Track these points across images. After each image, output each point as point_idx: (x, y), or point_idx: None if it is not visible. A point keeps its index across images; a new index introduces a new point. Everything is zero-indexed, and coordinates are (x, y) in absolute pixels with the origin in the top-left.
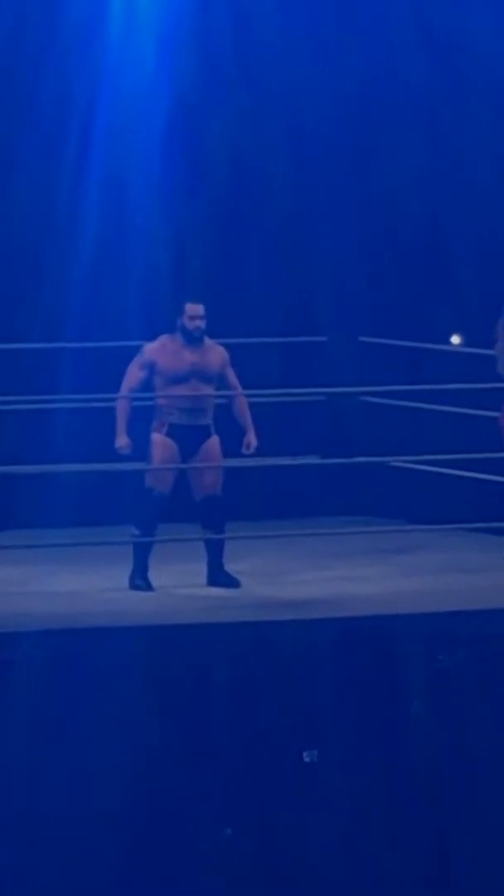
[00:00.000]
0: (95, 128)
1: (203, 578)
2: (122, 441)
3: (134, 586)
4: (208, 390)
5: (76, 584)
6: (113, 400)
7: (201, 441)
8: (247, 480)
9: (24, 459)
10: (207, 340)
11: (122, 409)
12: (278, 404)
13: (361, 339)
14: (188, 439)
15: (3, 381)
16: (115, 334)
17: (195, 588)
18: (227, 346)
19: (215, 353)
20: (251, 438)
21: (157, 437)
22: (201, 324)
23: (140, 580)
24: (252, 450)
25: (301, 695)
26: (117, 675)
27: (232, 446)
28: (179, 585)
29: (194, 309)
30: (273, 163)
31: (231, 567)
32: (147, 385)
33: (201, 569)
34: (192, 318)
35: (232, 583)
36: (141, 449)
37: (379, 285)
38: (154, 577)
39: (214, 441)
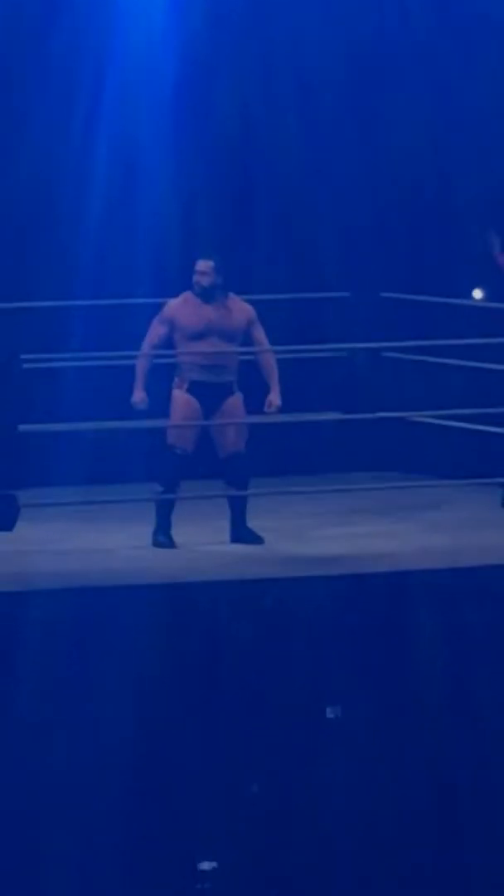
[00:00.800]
0: (106, 85)
1: (226, 535)
2: (137, 396)
3: (157, 543)
4: (229, 347)
5: (99, 542)
6: (130, 357)
7: (223, 398)
8: (269, 437)
9: (42, 418)
10: (232, 297)
11: (140, 365)
12: (300, 360)
13: (383, 294)
14: (209, 396)
15: (19, 339)
16: (127, 292)
17: (218, 545)
18: (248, 303)
19: (239, 310)
20: (273, 398)
21: (178, 394)
22: (202, 279)
23: (163, 537)
24: (273, 409)
25: (324, 651)
26: (140, 633)
27: (257, 403)
28: (202, 542)
29: (199, 265)
30: (288, 117)
31: (254, 524)
32: (168, 341)
33: (224, 526)
34: (197, 273)
35: (255, 539)
36: (158, 405)
37: (400, 241)
38: (177, 534)
39: (237, 399)
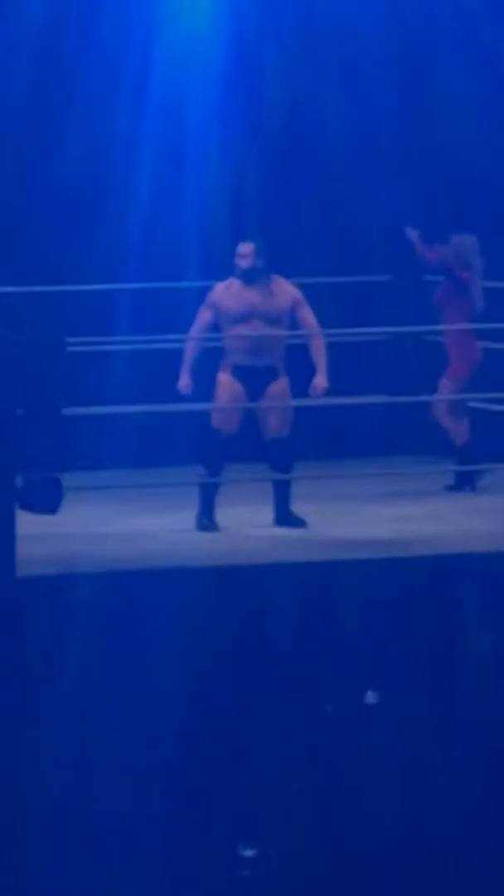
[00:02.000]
0: (154, 68)
1: (271, 518)
2: (183, 381)
3: (201, 526)
4: (272, 330)
5: (143, 526)
6: (177, 341)
7: (267, 382)
8: (315, 420)
9: (89, 400)
10: (277, 280)
11: (188, 350)
12: (344, 344)
13: (426, 277)
14: (253, 379)
15: (65, 322)
16: (175, 275)
17: (263, 528)
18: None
19: (283, 293)
20: (319, 381)
21: (222, 378)
22: (242, 262)
23: (207, 520)
24: (319, 392)
25: (367, 635)
26: (184, 616)
27: (303, 386)
28: (246, 526)
29: (241, 248)
30: (334, 99)
31: (299, 507)
32: (214, 326)
33: (269, 509)
34: (238, 256)
35: (298, 523)
36: (205, 390)
37: (443, 223)
38: (221, 517)
39: (281, 383)
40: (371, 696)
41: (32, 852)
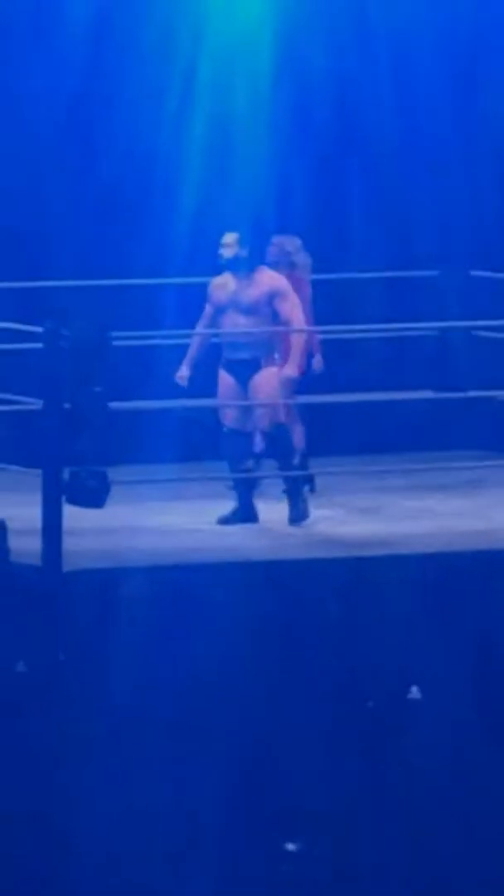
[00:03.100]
0: (201, 65)
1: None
2: (181, 373)
3: (220, 521)
4: (247, 322)
5: (188, 519)
6: (217, 336)
7: (249, 375)
8: (361, 415)
9: (135, 395)
10: (262, 271)
11: (192, 344)
12: (391, 339)
13: (472, 273)
14: (238, 373)
15: (110, 316)
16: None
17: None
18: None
19: (259, 284)
20: (286, 369)
21: (219, 372)
22: (225, 251)
23: (240, 515)
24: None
25: (402, 630)
26: (226, 610)
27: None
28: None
29: (224, 237)
30: (383, 95)
31: (345, 502)
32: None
33: (316, 503)
34: (221, 246)
35: (301, 518)
36: (205, 384)
37: (490, 219)
38: (263, 511)
39: (263, 374)
40: (415, 692)
41: (78, 840)
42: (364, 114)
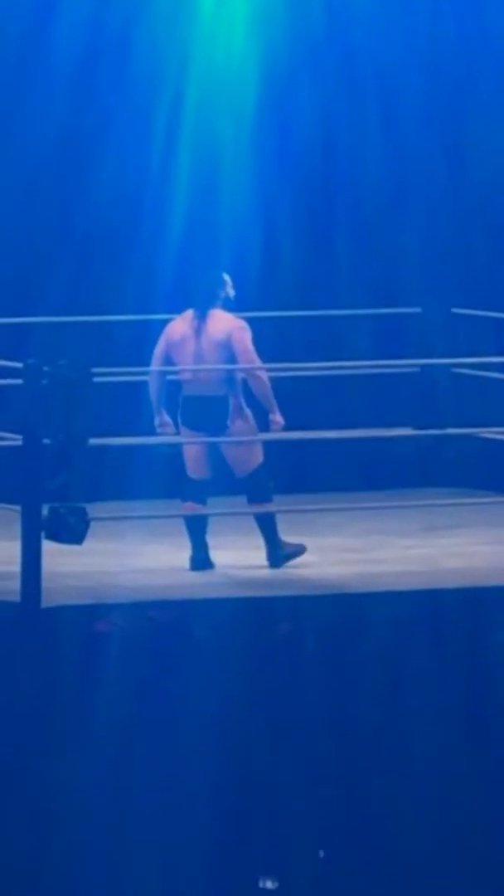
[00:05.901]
0: (186, 98)
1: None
2: (159, 422)
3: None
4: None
5: (169, 556)
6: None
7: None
8: (341, 452)
9: (116, 431)
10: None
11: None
12: (372, 376)
13: (454, 310)
14: (199, 413)
15: (91, 352)
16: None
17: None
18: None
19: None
20: (276, 417)
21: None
22: (231, 291)
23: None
24: (278, 428)
25: (391, 668)
26: (210, 648)
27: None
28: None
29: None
30: (368, 132)
31: (326, 541)
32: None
33: (304, 539)
34: (229, 286)
35: (281, 560)
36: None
37: (472, 256)
38: (254, 548)
39: (239, 425)
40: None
41: (68, 875)
42: (348, 151)
